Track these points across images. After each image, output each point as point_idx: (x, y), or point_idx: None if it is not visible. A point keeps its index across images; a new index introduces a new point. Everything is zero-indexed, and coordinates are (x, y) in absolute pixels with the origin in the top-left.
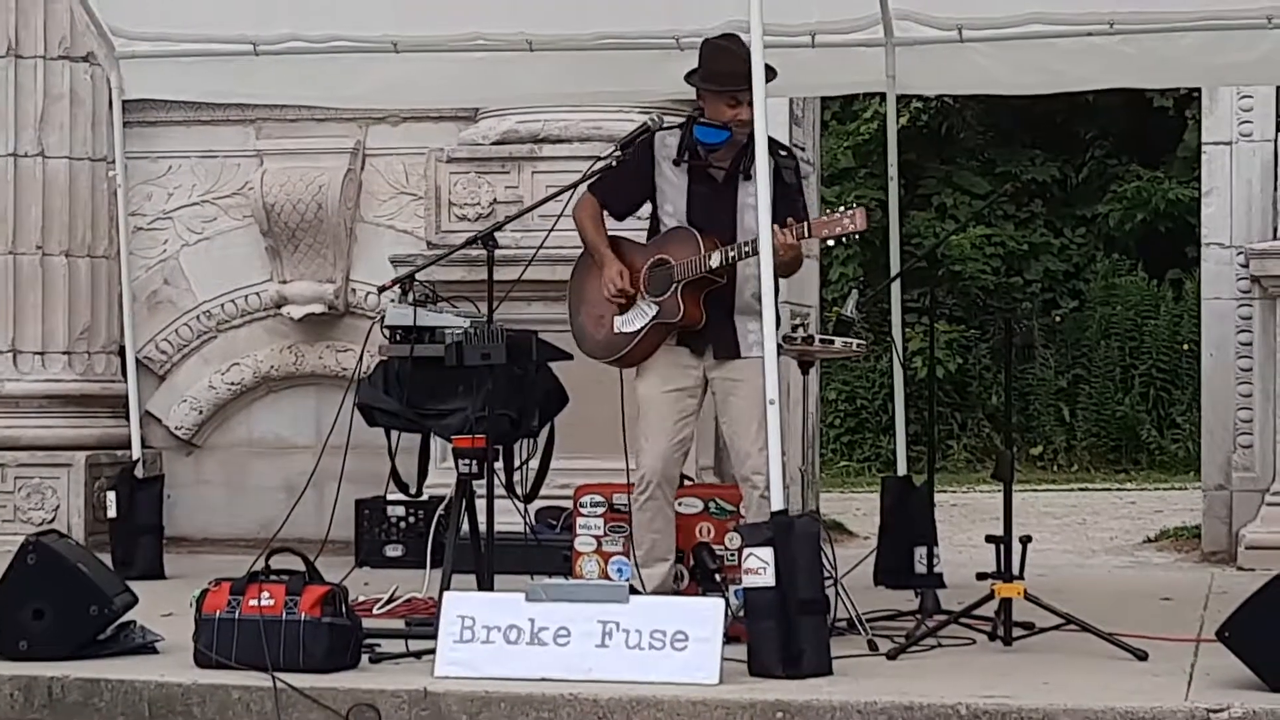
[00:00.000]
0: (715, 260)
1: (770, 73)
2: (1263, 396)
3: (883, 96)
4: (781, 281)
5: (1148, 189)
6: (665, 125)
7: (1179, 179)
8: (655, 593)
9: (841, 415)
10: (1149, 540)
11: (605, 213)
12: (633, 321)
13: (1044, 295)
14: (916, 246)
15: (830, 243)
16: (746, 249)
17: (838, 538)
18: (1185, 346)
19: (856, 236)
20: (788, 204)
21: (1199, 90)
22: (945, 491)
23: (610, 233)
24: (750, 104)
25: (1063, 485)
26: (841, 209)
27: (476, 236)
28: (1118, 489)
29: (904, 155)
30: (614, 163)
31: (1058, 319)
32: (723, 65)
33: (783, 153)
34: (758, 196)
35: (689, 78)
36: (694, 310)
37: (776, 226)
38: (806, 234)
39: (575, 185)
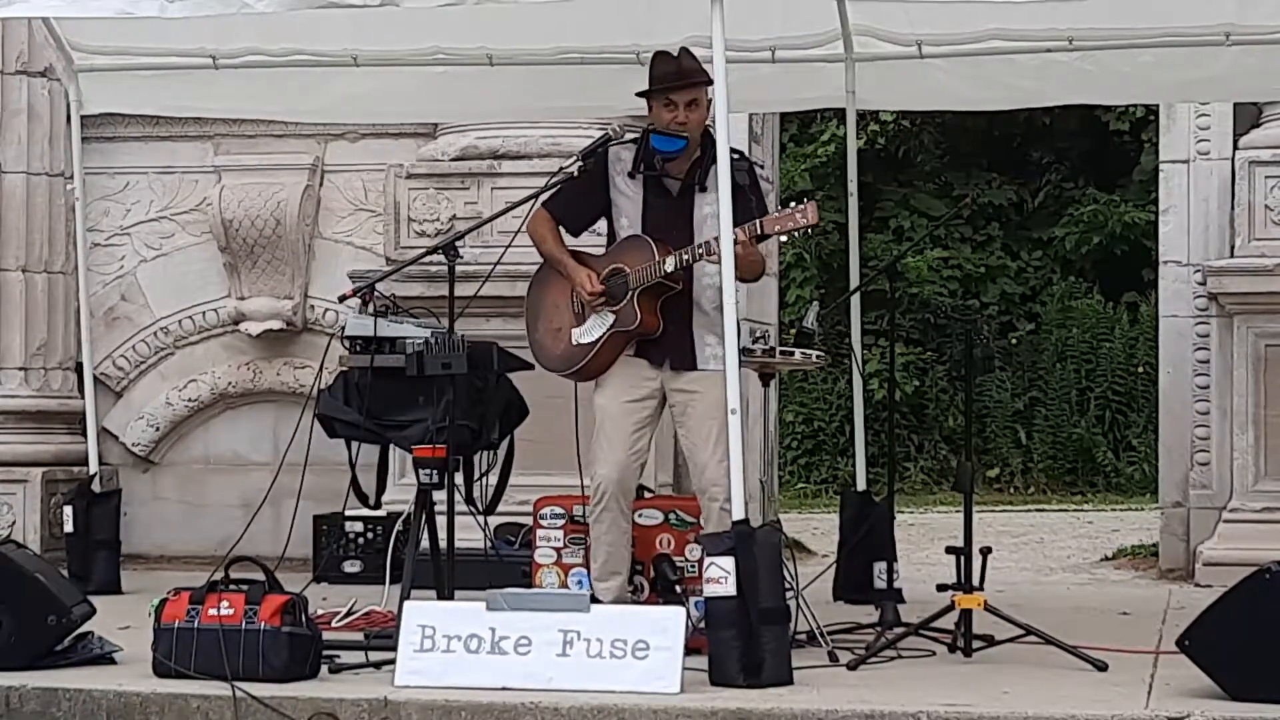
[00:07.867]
0: (670, 264)
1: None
2: (1220, 414)
3: (840, 118)
4: (741, 296)
5: (1104, 212)
6: (625, 137)
7: (1135, 202)
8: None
9: (799, 437)
10: (1106, 558)
11: (561, 229)
12: (590, 332)
13: (1000, 318)
14: (874, 268)
15: (788, 246)
16: (700, 250)
17: (796, 555)
18: (1140, 369)
19: (810, 244)
20: (740, 207)
21: (1155, 113)
22: (903, 512)
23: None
24: (688, 106)
25: (1019, 507)
26: (793, 204)
27: (438, 246)
28: (1074, 510)
29: (861, 178)
30: (575, 172)
31: (1014, 341)
32: (656, 69)
33: (734, 156)
34: (719, 203)
35: (640, 94)
36: (650, 318)
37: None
38: (760, 231)
39: (534, 196)
